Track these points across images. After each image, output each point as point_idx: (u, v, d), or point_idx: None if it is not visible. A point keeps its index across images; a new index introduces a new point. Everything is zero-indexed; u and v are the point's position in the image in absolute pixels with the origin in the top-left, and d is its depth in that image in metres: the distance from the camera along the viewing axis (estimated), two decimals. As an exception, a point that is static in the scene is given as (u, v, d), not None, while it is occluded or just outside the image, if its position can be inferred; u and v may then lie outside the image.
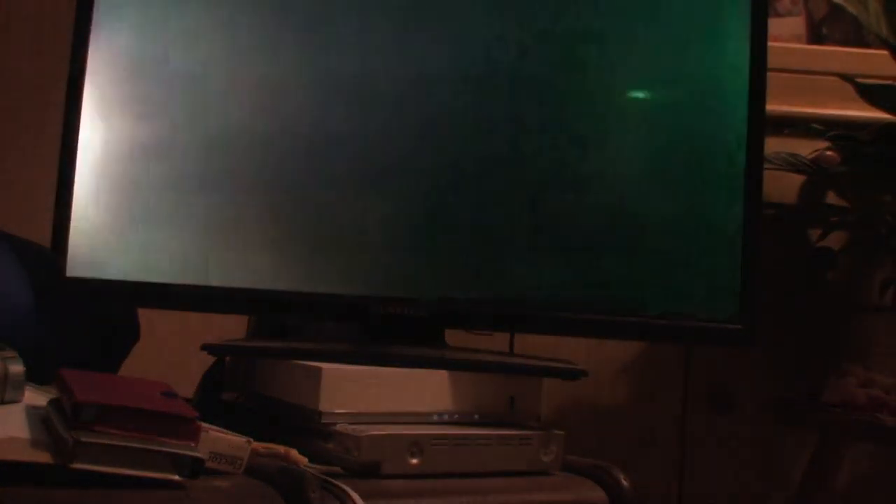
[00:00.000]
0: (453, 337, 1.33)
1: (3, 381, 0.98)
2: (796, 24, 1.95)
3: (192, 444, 0.89)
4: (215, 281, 1.29)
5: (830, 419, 1.54)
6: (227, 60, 1.29)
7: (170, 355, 1.46)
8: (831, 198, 1.79)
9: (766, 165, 1.39)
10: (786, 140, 1.73)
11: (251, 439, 0.99)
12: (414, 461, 1.10)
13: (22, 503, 0.82)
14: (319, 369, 1.13)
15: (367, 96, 1.28)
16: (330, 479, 0.99)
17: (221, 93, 1.29)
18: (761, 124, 1.33)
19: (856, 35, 1.91)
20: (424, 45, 1.29)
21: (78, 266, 1.27)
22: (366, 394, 1.14)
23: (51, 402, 0.94)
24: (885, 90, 1.59)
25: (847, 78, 1.61)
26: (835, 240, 1.75)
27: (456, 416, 1.19)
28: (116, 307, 1.34)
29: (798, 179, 1.79)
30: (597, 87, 1.31)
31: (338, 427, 1.10)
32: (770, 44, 1.35)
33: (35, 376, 1.02)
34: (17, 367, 0.99)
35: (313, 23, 1.29)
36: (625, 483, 1.15)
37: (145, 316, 1.36)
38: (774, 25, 1.89)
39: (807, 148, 1.75)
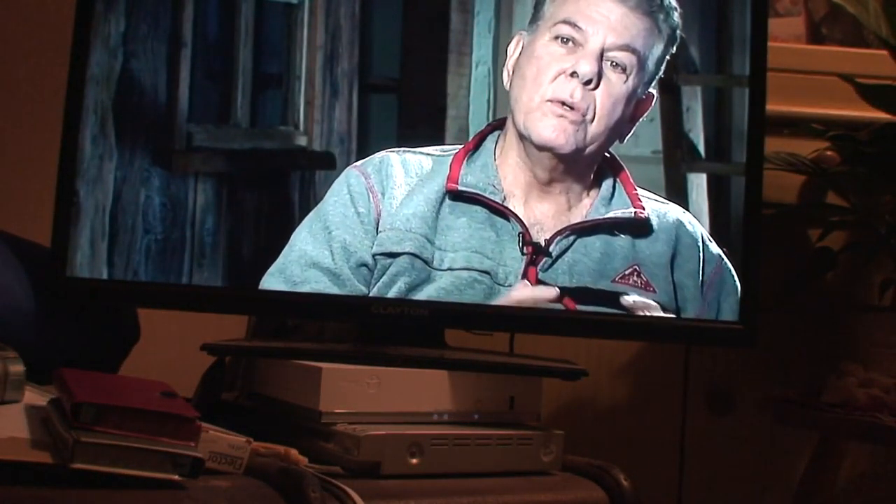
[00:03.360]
0: (453, 337, 1.33)
1: (3, 381, 0.98)
2: (796, 24, 1.95)
3: (192, 444, 0.89)
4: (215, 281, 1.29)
5: (830, 419, 1.54)
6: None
7: (170, 355, 1.45)
8: (831, 198, 1.79)
9: (766, 165, 1.39)
10: (786, 140, 1.73)
11: (251, 439, 0.99)
12: (414, 461, 1.10)
13: (22, 503, 0.82)
14: (319, 369, 1.13)
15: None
16: (330, 479, 0.99)
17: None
18: (761, 124, 1.33)
19: (856, 35, 1.91)
20: None
21: (78, 266, 1.27)
22: (366, 394, 1.14)
23: (51, 402, 0.94)
24: (885, 90, 1.59)
25: (847, 78, 1.61)
26: (835, 240, 1.75)
27: (456, 416, 1.19)
28: (116, 307, 1.34)
29: (798, 179, 1.79)
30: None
31: (338, 427, 1.10)
32: (770, 44, 1.35)
33: (35, 376, 1.02)
34: (17, 367, 1.00)
35: None
36: (625, 483, 1.15)
37: (145, 316, 1.36)
38: (774, 25, 1.89)
39: (807, 148, 1.75)
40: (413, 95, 1.36)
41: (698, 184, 1.35)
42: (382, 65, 1.38)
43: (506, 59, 1.30)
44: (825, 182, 1.77)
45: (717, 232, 1.33)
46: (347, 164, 1.31)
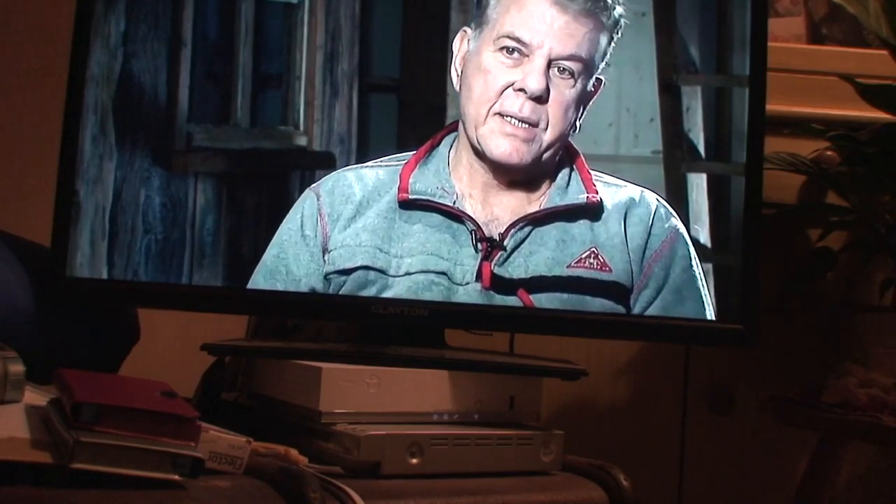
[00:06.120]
0: (453, 337, 1.33)
1: (3, 381, 0.98)
2: (796, 24, 1.95)
3: (192, 444, 0.89)
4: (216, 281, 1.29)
5: (830, 419, 1.54)
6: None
7: (170, 355, 1.46)
8: (831, 198, 1.79)
9: (766, 165, 1.39)
10: (786, 140, 1.73)
11: (251, 439, 0.99)
12: (414, 461, 1.10)
13: (22, 503, 0.82)
14: (319, 369, 1.13)
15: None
16: (330, 479, 0.99)
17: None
18: (761, 124, 1.33)
19: (856, 35, 1.91)
20: None
21: (78, 266, 1.27)
22: (366, 394, 1.14)
23: (51, 402, 0.94)
24: (885, 90, 1.59)
25: (847, 78, 1.61)
26: (835, 240, 1.75)
27: (456, 416, 1.19)
28: (116, 307, 1.34)
29: (798, 179, 1.79)
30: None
31: (338, 427, 1.10)
32: (770, 44, 1.35)
33: (35, 376, 1.02)
34: (17, 367, 0.99)
35: None
36: (625, 483, 1.15)
37: (145, 316, 1.36)
38: (774, 25, 1.89)
39: (807, 148, 1.75)
40: (413, 95, 1.36)
41: (698, 184, 1.35)
42: (382, 65, 1.38)
43: (452, 57, 1.30)
44: (825, 182, 1.77)
45: (717, 232, 1.33)
46: (347, 164, 1.31)
